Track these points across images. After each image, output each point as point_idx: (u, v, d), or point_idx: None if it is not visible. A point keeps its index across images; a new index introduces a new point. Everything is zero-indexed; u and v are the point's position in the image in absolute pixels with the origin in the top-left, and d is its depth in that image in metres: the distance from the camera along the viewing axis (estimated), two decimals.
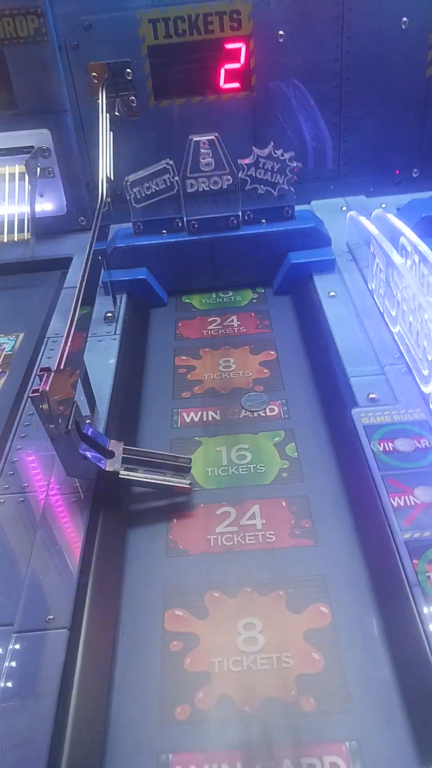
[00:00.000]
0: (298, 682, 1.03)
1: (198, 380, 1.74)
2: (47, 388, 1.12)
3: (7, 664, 1.00)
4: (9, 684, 0.98)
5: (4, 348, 1.90)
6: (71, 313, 1.35)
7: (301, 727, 0.96)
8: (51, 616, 1.07)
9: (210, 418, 1.60)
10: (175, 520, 1.33)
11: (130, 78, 2.14)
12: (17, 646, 1.03)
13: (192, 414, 1.62)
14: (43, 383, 1.13)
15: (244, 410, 1.60)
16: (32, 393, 1.13)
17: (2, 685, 0.98)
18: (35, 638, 1.04)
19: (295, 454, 1.46)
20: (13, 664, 1.00)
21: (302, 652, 1.06)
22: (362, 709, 0.98)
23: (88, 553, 1.18)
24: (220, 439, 1.53)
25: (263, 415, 1.59)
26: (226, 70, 2.14)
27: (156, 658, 1.09)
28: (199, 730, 0.98)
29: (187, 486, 1.33)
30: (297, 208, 2.02)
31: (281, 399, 1.63)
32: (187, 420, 1.61)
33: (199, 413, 1.62)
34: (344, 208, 2.28)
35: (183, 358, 1.84)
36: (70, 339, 1.27)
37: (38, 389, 1.13)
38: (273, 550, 1.24)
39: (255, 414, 1.59)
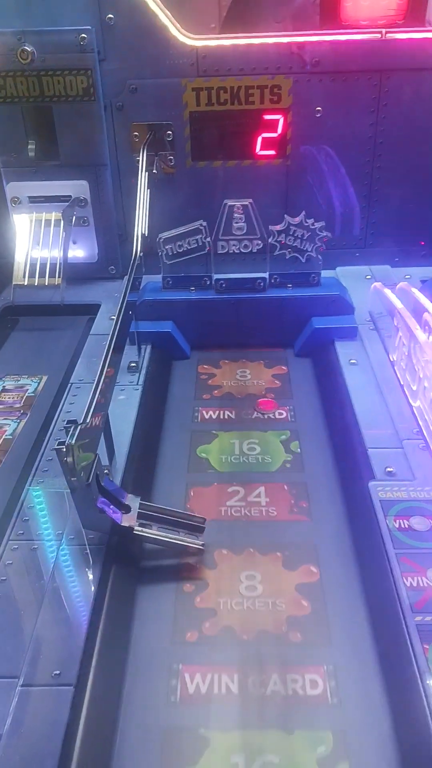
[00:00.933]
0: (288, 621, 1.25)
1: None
2: (73, 442, 1.14)
3: (10, 719, 1.00)
4: (11, 740, 0.97)
5: (27, 389, 1.93)
6: (101, 364, 1.38)
7: (288, 654, 1.20)
8: (57, 672, 1.06)
9: None
10: (192, 493, 1.56)
11: (170, 139, 2.24)
12: (22, 701, 1.02)
13: None
14: (69, 436, 1.15)
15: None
16: (57, 446, 1.15)
17: (4, 741, 0.97)
18: (40, 694, 1.04)
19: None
20: (17, 719, 1.00)
21: (293, 599, 1.30)
22: (339, 644, 1.21)
23: (98, 607, 1.18)
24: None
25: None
26: (263, 138, 2.23)
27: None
28: (205, 650, 1.20)
29: (200, 547, 1.33)
30: (322, 274, 2.07)
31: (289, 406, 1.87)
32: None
33: None
34: (368, 277, 2.33)
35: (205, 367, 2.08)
36: (98, 392, 1.29)
37: (64, 442, 1.14)
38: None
39: None
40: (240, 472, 1.63)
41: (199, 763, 1.04)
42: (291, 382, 1.98)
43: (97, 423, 1.30)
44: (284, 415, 1.84)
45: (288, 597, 1.30)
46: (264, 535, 1.44)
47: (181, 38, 2.10)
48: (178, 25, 2.09)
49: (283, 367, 2.05)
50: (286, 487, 1.58)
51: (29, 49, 2.04)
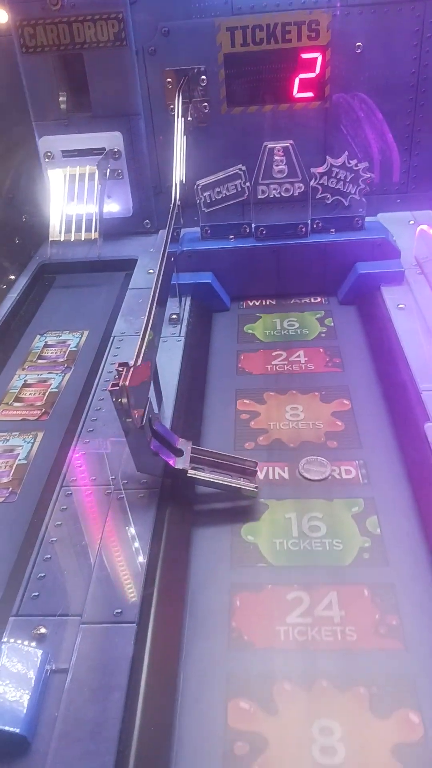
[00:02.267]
0: None
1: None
2: (126, 383, 1.12)
3: (76, 654, 1.00)
4: (78, 674, 0.98)
5: (69, 344, 1.93)
6: (147, 311, 1.35)
7: None
8: (119, 610, 1.06)
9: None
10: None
11: (204, 84, 2.16)
12: (86, 638, 1.03)
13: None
14: (122, 378, 1.13)
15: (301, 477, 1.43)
16: (111, 387, 1.13)
17: (71, 674, 0.98)
18: (104, 631, 1.04)
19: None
20: (83, 654, 1.00)
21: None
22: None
23: (156, 548, 1.18)
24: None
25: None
26: (300, 80, 2.14)
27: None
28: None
29: (254, 489, 1.32)
30: (365, 219, 2.00)
31: (359, 460, 1.46)
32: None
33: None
34: (412, 222, 2.25)
35: (245, 401, 1.68)
36: (146, 336, 1.27)
37: (117, 383, 1.13)
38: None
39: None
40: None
41: (260, 519, 1.18)
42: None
43: (147, 367, 1.27)
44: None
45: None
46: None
47: None
48: None
49: (346, 402, 1.63)
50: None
51: None
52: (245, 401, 1.67)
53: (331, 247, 1.98)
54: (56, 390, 1.74)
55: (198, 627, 1.14)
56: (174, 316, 1.89)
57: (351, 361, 1.80)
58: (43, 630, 1.04)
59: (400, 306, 1.82)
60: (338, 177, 1.90)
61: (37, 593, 1.11)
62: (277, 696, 1.02)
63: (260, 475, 1.41)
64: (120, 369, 1.18)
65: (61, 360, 1.86)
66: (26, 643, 1.00)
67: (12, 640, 1.00)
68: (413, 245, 2.06)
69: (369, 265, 1.96)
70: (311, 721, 0.97)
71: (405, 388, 1.55)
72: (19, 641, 1.00)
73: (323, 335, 1.92)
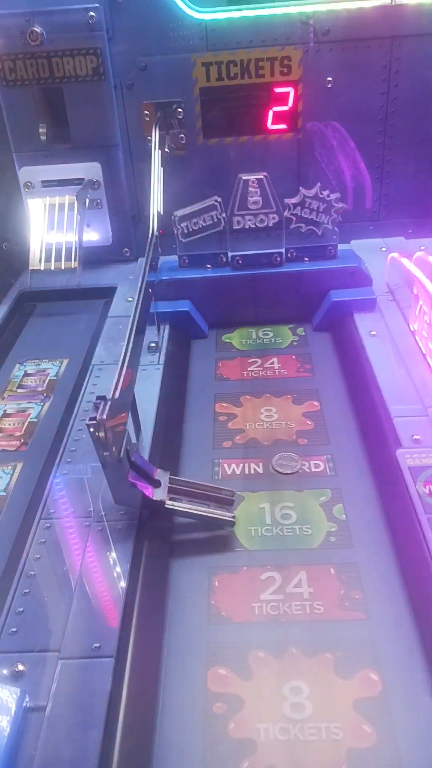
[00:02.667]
0: None
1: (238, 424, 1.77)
2: (104, 417, 1.14)
3: (53, 690, 1.01)
4: (56, 711, 0.99)
5: (49, 373, 1.94)
6: (125, 342, 1.38)
7: None
8: (97, 644, 1.08)
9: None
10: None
11: (181, 117, 2.22)
12: (64, 673, 1.04)
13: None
14: (99, 412, 1.15)
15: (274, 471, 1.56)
16: (89, 421, 1.15)
17: (49, 712, 0.98)
18: (82, 666, 1.05)
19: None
20: (60, 691, 1.01)
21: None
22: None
23: (134, 580, 1.20)
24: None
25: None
26: (274, 112, 2.21)
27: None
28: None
29: (231, 519, 1.34)
30: (338, 247, 2.05)
31: (328, 458, 1.58)
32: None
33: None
34: (384, 249, 2.31)
35: (224, 405, 1.81)
36: (124, 368, 1.30)
37: (95, 417, 1.15)
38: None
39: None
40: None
41: (237, 509, 1.33)
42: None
43: (124, 399, 1.30)
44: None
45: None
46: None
47: (190, 12, 2.07)
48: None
49: (316, 403, 1.77)
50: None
51: (38, 30, 2.03)
52: (223, 404, 1.81)
53: (305, 275, 2.03)
54: (35, 420, 1.75)
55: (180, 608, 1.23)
56: (153, 345, 1.92)
57: (324, 384, 1.85)
58: (21, 667, 1.05)
59: (372, 333, 1.86)
60: (311, 207, 1.95)
61: (15, 629, 1.12)
62: (252, 663, 1.13)
63: (237, 471, 1.54)
64: (98, 402, 1.20)
65: (40, 389, 1.88)
66: (4, 678, 1.01)
67: None
68: (385, 272, 2.11)
69: (342, 292, 2.01)
70: (282, 683, 1.09)
71: (377, 413, 1.59)
72: None
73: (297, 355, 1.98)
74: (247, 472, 1.56)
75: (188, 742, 1.03)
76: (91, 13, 2.02)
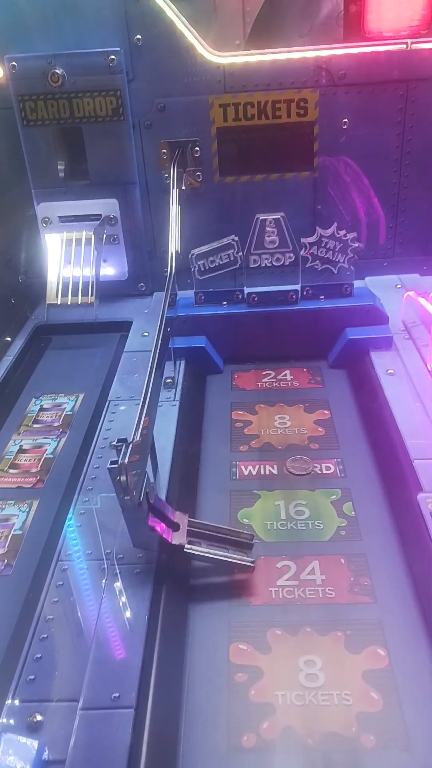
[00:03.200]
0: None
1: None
2: (126, 461, 1.14)
3: (73, 742, 0.99)
4: (74, 764, 0.97)
5: (65, 408, 1.95)
6: (145, 384, 1.38)
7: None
8: (116, 694, 1.06)
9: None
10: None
11: (197, 155, 2.25)
12: (83, 725, 1.02)
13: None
14: (121, 456, 1.15)
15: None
16: (110, 465, 1.15)
17: (68, 765, 0.96)
18: (101, 717, 1.03)
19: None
20: (79, 743, 0.99)
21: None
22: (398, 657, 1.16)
23: (153, 626, 1.18)
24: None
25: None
26: (290, 152, 2.24)
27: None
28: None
29: (251, 564, 1.33)
30: (354, 284, 2.07)
31: (338, 461, 1.70)
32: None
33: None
34: (398, 286, 2.32)
35: (239, 413, 1.92)
36: (145, 410, 1.30)
37: (116, 461, 1.15)
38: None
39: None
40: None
41: (254, 506, 1.47)
42: (328, 393, 1.97)
43: (144, 441, 1.30)
44: (333, 472, 1.67)
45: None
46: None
47: (208, 56, 2.12)
48: (204, 43, 2.12)
49: (326, 412, 1.88)
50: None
51: (59, 72, 2.07)
52: (239, 412, 1.92)
53: (321, 313, 2.04)
54: (51, 456, 1.75)
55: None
56: (169, 380, 1.92)
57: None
58: (39, 717, 1.03)
59: (390, 371, 1.86)
60: (328, 246, 1.97)
61: (33, 676, 1.11)
62: (270, 639, 1.24)
63: (253, 472, 1.65)
64: (118, 445, 1.20)
65: (56, 424, 1.88)
66: (23, 730, 0.99)
67: (9, 725, 0.99)
68: (401, 309, 2.12)
69: (358, 330, 2.02)
70: (297, 657, 1.20)
71: (396, 455, 1.58)
72: (16, 731, 0.99)
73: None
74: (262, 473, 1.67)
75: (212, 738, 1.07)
76: (112, 57, 2.07)
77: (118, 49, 2.07)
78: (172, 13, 2.08)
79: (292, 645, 1.22)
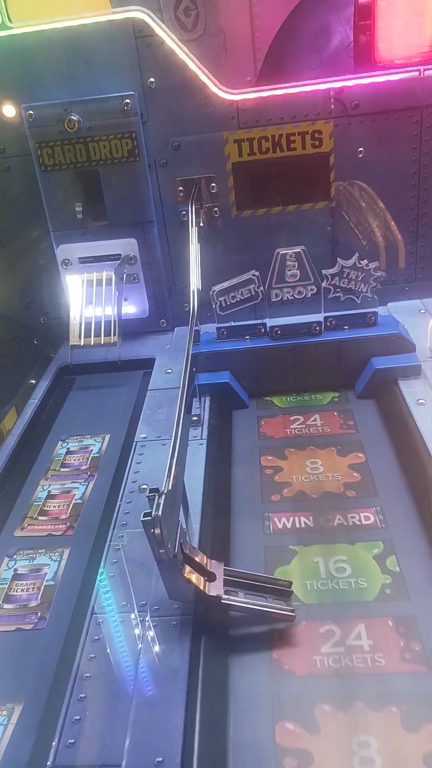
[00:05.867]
0: None
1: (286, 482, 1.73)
2: (159, 513, 1.12)
3: None
4: None
5: (92, 450, 1.94)
6: (174, 427, 1.36)
7: None
8: (160, 759, 1.02)
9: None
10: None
11: (214, 191, 2.26)
12: None
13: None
14: (155, 507, 1.13)
15: None
16: (143, 517, 1.13)
17: None
18: None
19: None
20: None
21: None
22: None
23: (194, 682, 1.15)
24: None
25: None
26: (306, 183, 2.24)
27: None
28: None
29: (291, 614, 1.29)
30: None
31: (376, 507, 1.61)
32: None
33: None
34: (422, 311, 2.29)
35: (269, 458, 1.84)
36: (175, 458, 1.27)
37: (150, 513, 1.12)
38: None
39: None
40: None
41: (291, 563, 1.39)
42: (375, 484, 1.74)
43: (177, 488, 1.27)
44: (372, 521, 1.57)
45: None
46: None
47: (221, 94, 2.13)
48: (216, 82, 2.13)
49: (361, 455, 1.79)
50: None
51: (75, 119, 2.10)
52: (268, 458, 1.85)
53: (345, 343, 2.01)
54: (80, 501, 1.74)
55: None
56: (195, 418, 1.90)
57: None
58: None
59: (421, 401, 1.82)
60: (350, 277, 1.95)
61: (73, 740, 1.08)
62: (318, 717, 1.15)
63: (287, 524, 1.58)
64: (151, 495, 1.17)
65: (84, 467, 1.87)
66: None
67: None
68: (427, 335, 2.09)
69: (385, 360, 1.99)
70: (350, 737, 1.11)
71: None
72: None
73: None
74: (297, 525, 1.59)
75: None
76: (127, 101, 2.09)
77: (132, 92, 2.10)
78: (183, 54, 2.10)
79: (343, 723, 1.13)
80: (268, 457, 1.84)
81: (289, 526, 1.59)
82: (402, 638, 1.26)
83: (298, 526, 1.59)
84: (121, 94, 2.09)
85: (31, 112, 2.12)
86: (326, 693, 1.18)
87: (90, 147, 2.18)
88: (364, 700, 1.16)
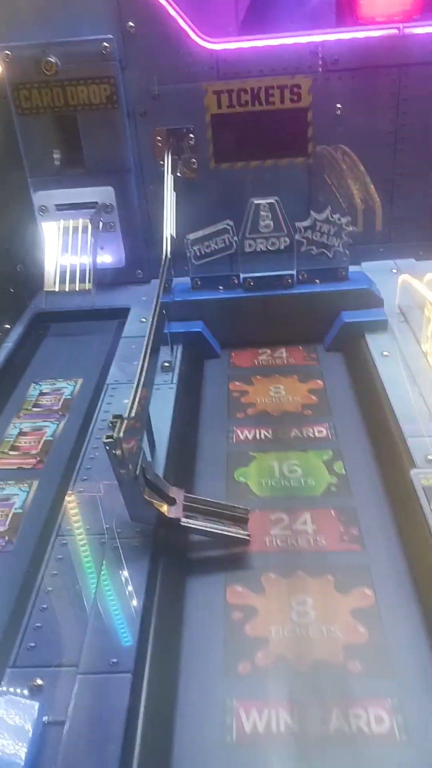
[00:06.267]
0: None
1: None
2: (121, 435, 1.16)
3: (72, 705, 1.02)
4: (74, 726, 0.99)
5: (64, 392, 1.97)
6: (140, 362, 1.40)
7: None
8: (114, 660, 1.08)
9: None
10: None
11: (192, 143, 2.27)
12: (82, 689, 1.04)
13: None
14: (116, 430, 1.17)
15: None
16: (106, 439, 1.17)
17: (68, 727, 0.99)
18: (99, 681, 1.06)
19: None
20: (79, 706, 1.02)
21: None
22: (403, 674, 1.14)
23: (150, 596, 1.21)
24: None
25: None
26: (284, 138, 2.26)
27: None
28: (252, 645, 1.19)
29: (247, 537, 1.35)
30: (349, 269, 2.08)
31: (329, 423, 1.78)
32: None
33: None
34: (394, 271, 2.34)
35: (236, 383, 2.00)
36: (140, 388, 1.32)
37: (112, 435, 1.17)
38: None
39: None
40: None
41: (249, 466, 1.58)
42: (330, 406, 1.89)
43: (140, 417, 1.32)
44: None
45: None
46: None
47: (201, 43, 2.13)
48: (197, 30, 2.13)
49: (319, 382, 1.96)
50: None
51: (53, 60, 2.09)
52: (236, 383, 2.01)
53: (316, 297, 2.06)
54: (51, 438, 1.77)
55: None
56: (166, 364, 1.94)
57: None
58: (39, 681, 1.06)
59: (385, 353, 1.88)
60: (322, 230, 1.99)
61: (33, 644, 1.13)
62: (264, 582, 1.32)
63: (249, 435, 1.74)
64: (114, 421, 1.22)
65: (56, 408, 1.91)
66: (23, 693, 1.02)
67: (9, 691, 1.02)
68: (396, 293, 2.14)
69: (354, 314, 2.03)
70: (290, 597, 1.28)
71: (390, 433, 1.60)
72: (17, 693, 1.01)
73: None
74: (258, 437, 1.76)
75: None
76: (105, 44, 2.08)
77: (110, 36, 2.08)
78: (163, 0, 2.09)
79: (285, 587, 1.30)
80: (236, 383, 1.99)
81: (250, 437, 1.76)
82: (342, 525, 1.44)
83: (258, 438, 1.75)
84: (99, 37, 2.08)
85: (7, 52, 2.10)
86: (273, 565, 1.35)
87: (68, 91, 2.17)
88: (305, 570, 1.33)
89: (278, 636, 1.21)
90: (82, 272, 2.26)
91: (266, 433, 1.76)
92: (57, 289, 2.24)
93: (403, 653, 1.16)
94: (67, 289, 2.24)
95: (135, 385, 1.34)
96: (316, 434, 1.73)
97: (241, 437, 1.75)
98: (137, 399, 1.30)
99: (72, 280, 2.25)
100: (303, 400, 1.88)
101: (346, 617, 1.23)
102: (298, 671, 1.15)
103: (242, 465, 1.64)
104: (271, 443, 1.72)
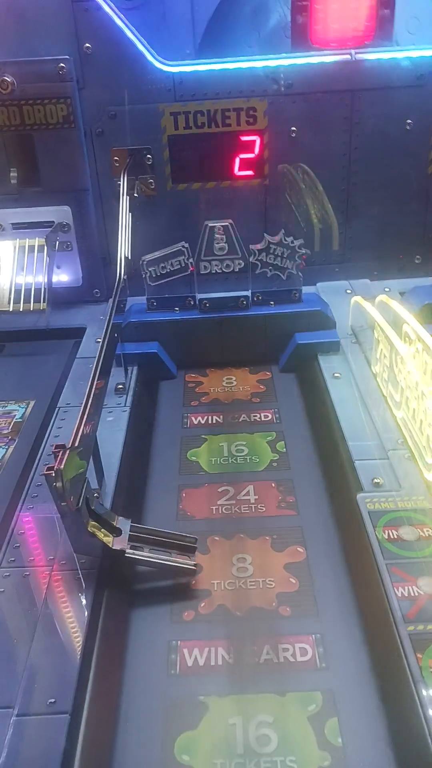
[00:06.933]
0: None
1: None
2: (62, 467, 1.14)
3: (6, 750, 0.99)
4: None
5: (15, 415, 1.94)
6: (88, 387, 1.39)
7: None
8: (53, 700, 1.06)
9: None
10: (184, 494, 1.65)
11: (150, 163, 2.27)
12: (17, 731, 1.02)
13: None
14: (57, 461, 1.15)
15: None
16: (46, 471, 1.15)
17: None
18: (36, 723, 1.03)
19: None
20: (13, 750, 0.99)
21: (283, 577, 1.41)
22: (325, 613, 1.30)
23: (92, 632, 1.18)
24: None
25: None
26: (240, 160, 2.27)
27: None
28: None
29: (193, 567, 1.34)
30: (304, 290, 2.10)
31: (274, 409, 1.96)
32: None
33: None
34: (349, 291, 2.36)
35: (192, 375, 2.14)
36: (86, 416, 1.30)
37: (53, 467, 1.15)
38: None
39: None
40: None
41: (201, 447, 1.78)
42: (276, 395, 2.02)
43: (85, 447, 1.30)
44: (271, 419, 1.89)
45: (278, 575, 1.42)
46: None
47: (158, 65, 2.14)
48: (154, 53, 2.14)
49: (268, 373, 2.14)
50: (274, 488, 1.66)
51: (9, 80, 2.08)
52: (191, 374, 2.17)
53: (271, 318, 2.07)
54: None
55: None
56: (120, 386, 1.93)
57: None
58: None
59: (336, 375, 1.90)
60: (276, 253, 2.00)
61: None
62: (209, 543, 1.48)
63: (202, 421, 1.91)
64: (56, 451, 1.20)
65: (5, 431, 1.87)
66: None
67: None
68: (349, 315, 2.16)
69: (307, 335, 2.05)
70: (232, 555, 1.44)
71: (339, 455, 1.61)
72: None
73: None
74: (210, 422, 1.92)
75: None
76: (62, 65, 2.07)
77: (67, 57, 2.08)
78: (121, 22, 2.09)
79: (228, 547, 1.46)
80: (192, 375, 2.15)
81: (203, 422, 1.93)
82: (280, 494, 1.63)
83: (210, 422, 1.92)
84: (56, 57, 2.07)
85: None
86: (218, 529, 1.51)
87: (24, 110, 2.15)
88: (245, 533, 1.50)
89: (219, 588, 1.36)
90: (37, 291, 2.24)
91: (217, 418, 1.93)
92: (11, 309, 2.22)
93: (328, 599, 1.33)
94: (21, 309, 2.22)
95: (81, 412, 1.32)
96: (263, 419, 1.91)
97: (195, 422, 1.92)
98: (82, 426, 1.28)
99: (27, 300, 2.23)
100: (252, 389, 2.06)
101: (280, 571, 1.40)
102: (235, 616, 1.30)
103: (195, 446, 1.82)
104: (222, 427, 1.89)
